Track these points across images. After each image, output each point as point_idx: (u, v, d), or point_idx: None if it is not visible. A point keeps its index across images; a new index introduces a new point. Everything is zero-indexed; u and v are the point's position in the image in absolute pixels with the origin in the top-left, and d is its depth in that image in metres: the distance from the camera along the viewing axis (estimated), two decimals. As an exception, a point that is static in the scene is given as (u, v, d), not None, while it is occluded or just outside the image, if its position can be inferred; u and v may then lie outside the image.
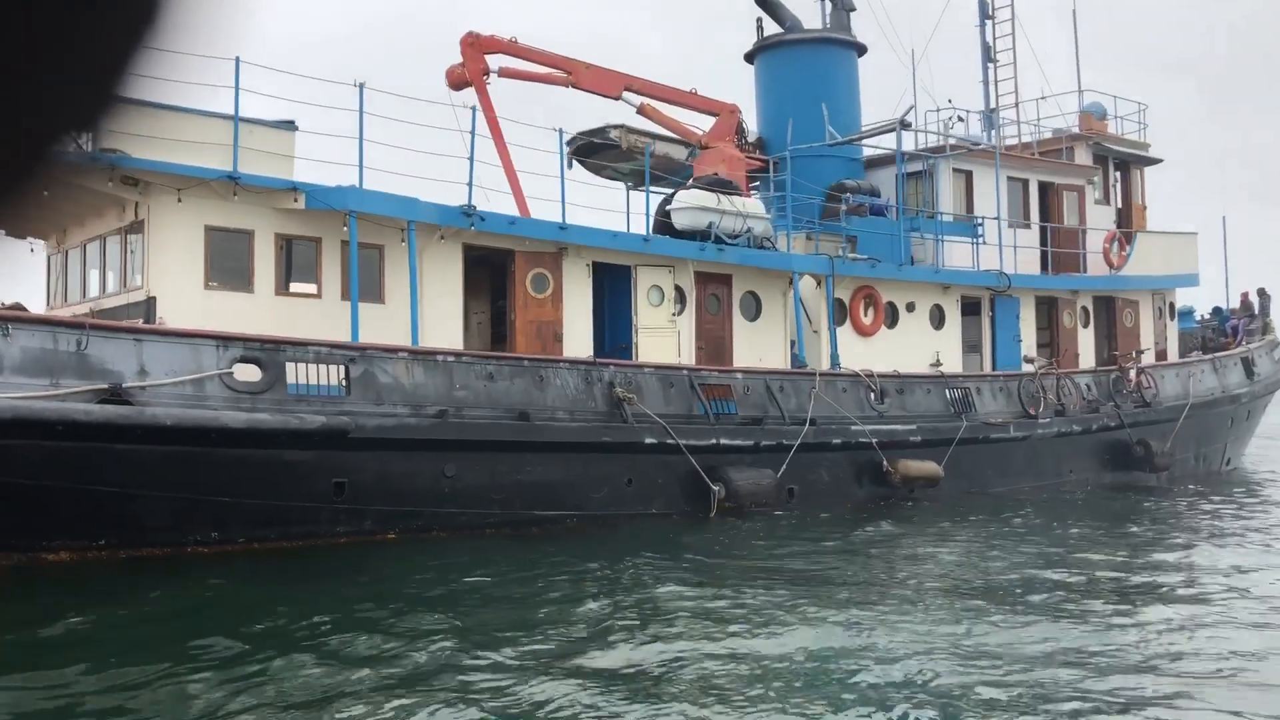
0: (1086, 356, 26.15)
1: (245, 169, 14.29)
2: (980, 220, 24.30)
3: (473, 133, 16.06)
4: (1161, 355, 29.33)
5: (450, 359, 14.79)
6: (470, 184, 16.07)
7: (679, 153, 24.52)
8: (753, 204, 19.86)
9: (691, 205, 18.98)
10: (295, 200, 14.61)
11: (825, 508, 18.27)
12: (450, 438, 14.32)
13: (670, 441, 16.20)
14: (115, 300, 15.21)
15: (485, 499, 14.83)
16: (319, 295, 15.24)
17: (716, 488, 16.64)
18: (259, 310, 14.75)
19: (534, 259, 17.16)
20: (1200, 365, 28.07)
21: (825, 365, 20.81)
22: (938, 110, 24.83)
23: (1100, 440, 23.92)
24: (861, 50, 26.50)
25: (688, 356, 19.10)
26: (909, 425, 19.63)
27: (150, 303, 14.25)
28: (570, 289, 17.67)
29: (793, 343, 20.37)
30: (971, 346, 24.73)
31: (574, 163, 25.30)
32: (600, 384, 16.06)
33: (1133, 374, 24.83)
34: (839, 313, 21.56)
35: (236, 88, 14.10)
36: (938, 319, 23.46)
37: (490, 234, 16.66)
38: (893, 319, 22.51)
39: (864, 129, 25.60)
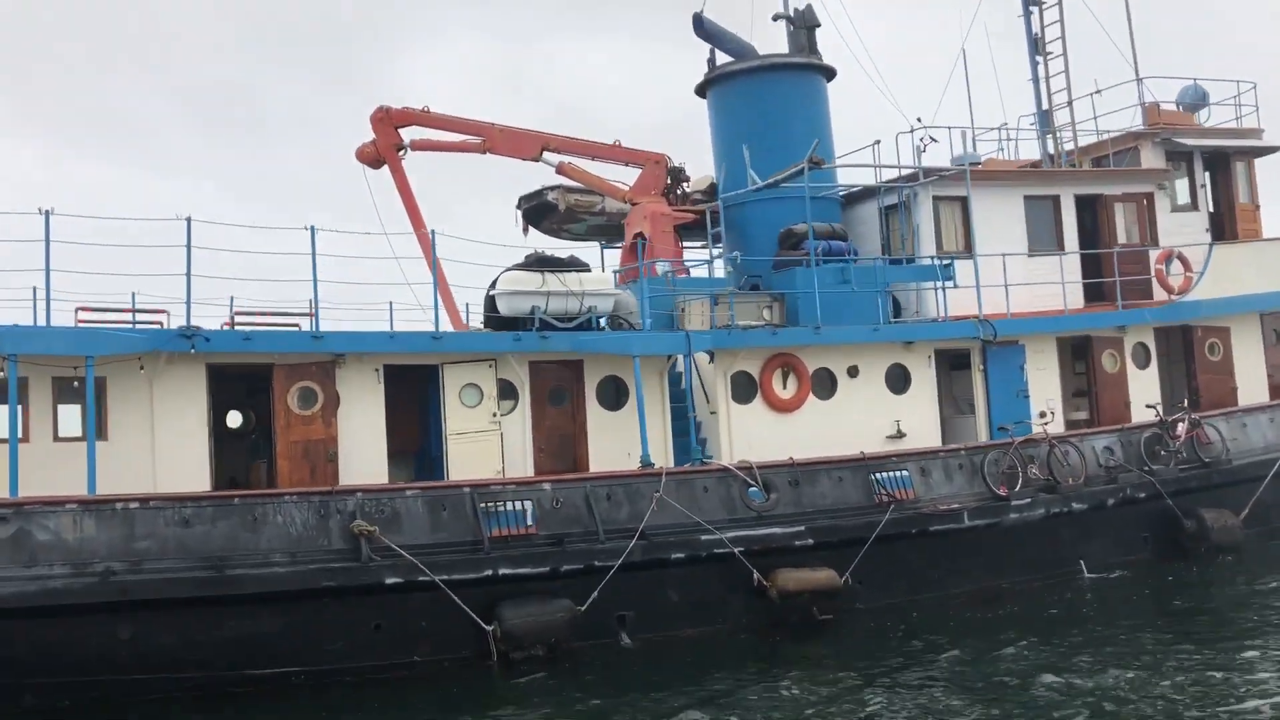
0: (1149, 401, 21.28)
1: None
2: (947, 261, 20.29)
3: (188, 246, 14.54)
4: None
5: (134, 505, 13.31)
6: (188, 302, 14.59)
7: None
8: (594, 279, 17.25)
9: (508, 290, 16.69)
10: (-39, 344, 13.64)
11: (677, 637, 15.45)
12: (113, 599, 12.82)
13: (424, 579, 14.00)
14: None
15: (177, 661, 13.21)
16: (26, 440, 14.18)
17: (491, 627, 14.27)
18: None
19: (297, 371, 15.44)
20: (1313, 403, 22.47)
21: (727, 453, 17.88)
22: (911, 131, 21.07)
23: (1130, 517, 19.32)
24: (830, 74, 23.06)
25: (519, 462, 16.76)
26: (793, 527, 16.31)
27: None
28: (351, 400, 15.81)
29: (697, 435, 17.61)
30: (971, 406, 20.76)
31: (528, 229, 23.62)
32: (340, 516, 14.10)
33: (1181, 428, 19.98)
34: (745, 388, 18.46)
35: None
36: (899, 381, 19.74)
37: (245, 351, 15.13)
38: (827, 388, 19.07)
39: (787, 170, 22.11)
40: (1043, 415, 20.13)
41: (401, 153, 21.89)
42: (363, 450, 15.72)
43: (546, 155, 21.81)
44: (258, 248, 15.68)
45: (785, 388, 18.67)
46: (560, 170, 21.82)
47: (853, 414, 19.03)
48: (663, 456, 17.41)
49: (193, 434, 14.95)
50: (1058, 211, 22.50)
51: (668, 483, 15.82)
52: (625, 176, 22.01)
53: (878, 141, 21.91)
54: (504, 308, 16.68)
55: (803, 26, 22.57)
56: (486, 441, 16.29)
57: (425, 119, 21.81)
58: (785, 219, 21.09)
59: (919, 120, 20.90)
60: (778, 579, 15.87)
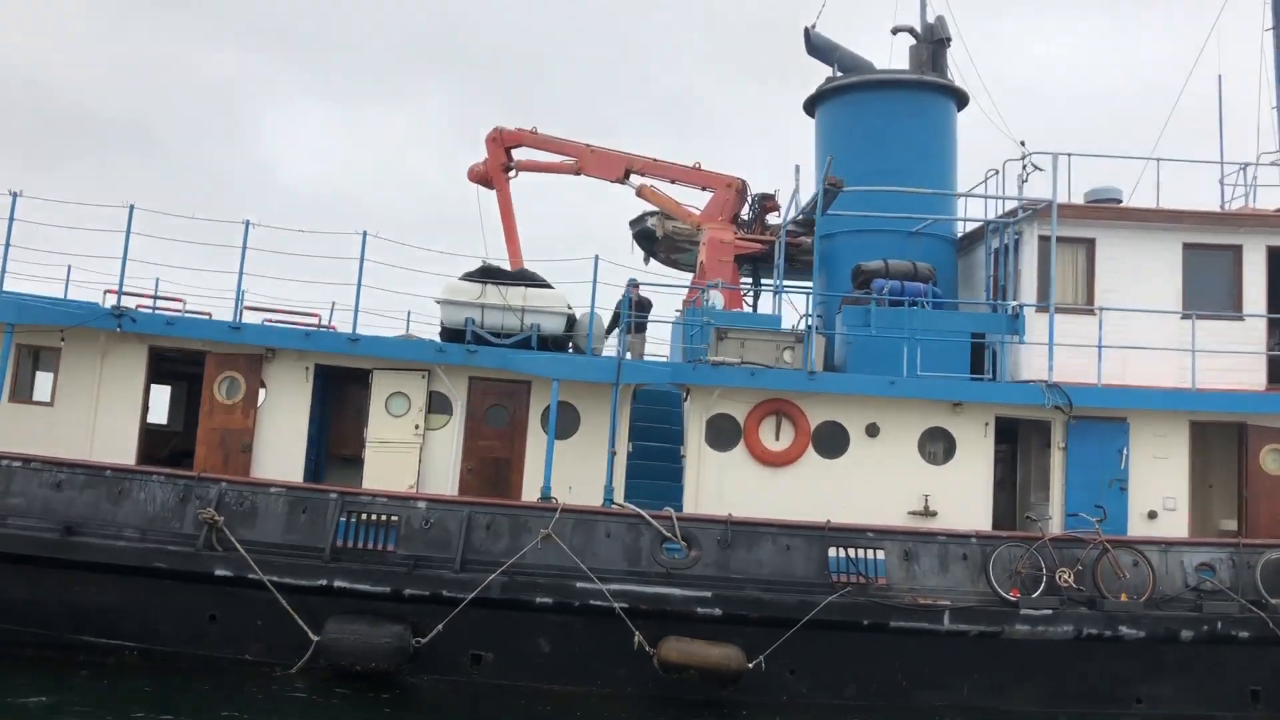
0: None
1: None
2: (1015, 309, 16.72)
3: (128, 231, 15.43)
4: None
5: (17, 464, 14.31)
6: (120, 286, 15.45)
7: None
8: (540, 295, 16.04)
9: (444, 299, 16.02)
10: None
11: (545, 688, 14.00)
12: (-39, 546, 13.82)
13: (253, 576, 13.75)
14: None
15: (21, 615, 13.97)
16: (-23, 400, 15.72)
17: (317, 638, 13.69)
18: None
19: (226, 361, 15.83)
20: None
21: (692, 503, 15.99)
22: (1023, 160, 17.67)
23: (1228, 660, 14.73)
24: (961, 100, 20.01)
25: (442, 482, 15.96)
26: (697, 591, 14.11)
27: None
28: (276, 395, 15.92)
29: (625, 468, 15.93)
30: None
31: (648, 258, 22.79)
32: (199, 503, 14.23)
33: (1331, 551, 14.99)
34: (726, 434, 16.33)
35: None
36: (939, 450, 16.54)
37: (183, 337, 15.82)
38: (835, 445, 16.37)
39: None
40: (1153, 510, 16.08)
41: (510, 173, 21.94)
42: (281, 446, 15.80)
43: (632, 177, 20.90)
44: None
45: (778, 439, 16.31)
46: (640, 193, 20.80)
47: (865, 480, 16.19)
48: (616, 495, 15.86)
49: (128, 410, 15.81)
50: (1238, 266, 17.84)
51: (561, 520, 14.35)
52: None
53: (993, 171, 18.77)
54: (443, 317, 16.09)
55: (928, 41, 19.78)
56: (405, 455, 15.74)
57: (531, 140, 21.72)
58: (878, 254, 18.53)
59: (1023, 144, 17.49)
60: (662, 647, 13.83)
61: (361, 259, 15.49)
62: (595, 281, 15.67)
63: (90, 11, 56.60)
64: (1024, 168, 17.45)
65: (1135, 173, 19.20)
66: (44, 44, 55.72)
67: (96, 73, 59.01)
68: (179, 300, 16.96)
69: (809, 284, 20.38)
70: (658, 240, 21.62)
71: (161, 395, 19.28)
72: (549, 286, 16.46)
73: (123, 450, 15.66)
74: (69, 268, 16.81)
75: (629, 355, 17.67)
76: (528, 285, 16.10)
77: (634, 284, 18.72)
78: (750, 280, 21.50)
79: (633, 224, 22.11)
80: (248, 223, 15.47)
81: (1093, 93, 53.01)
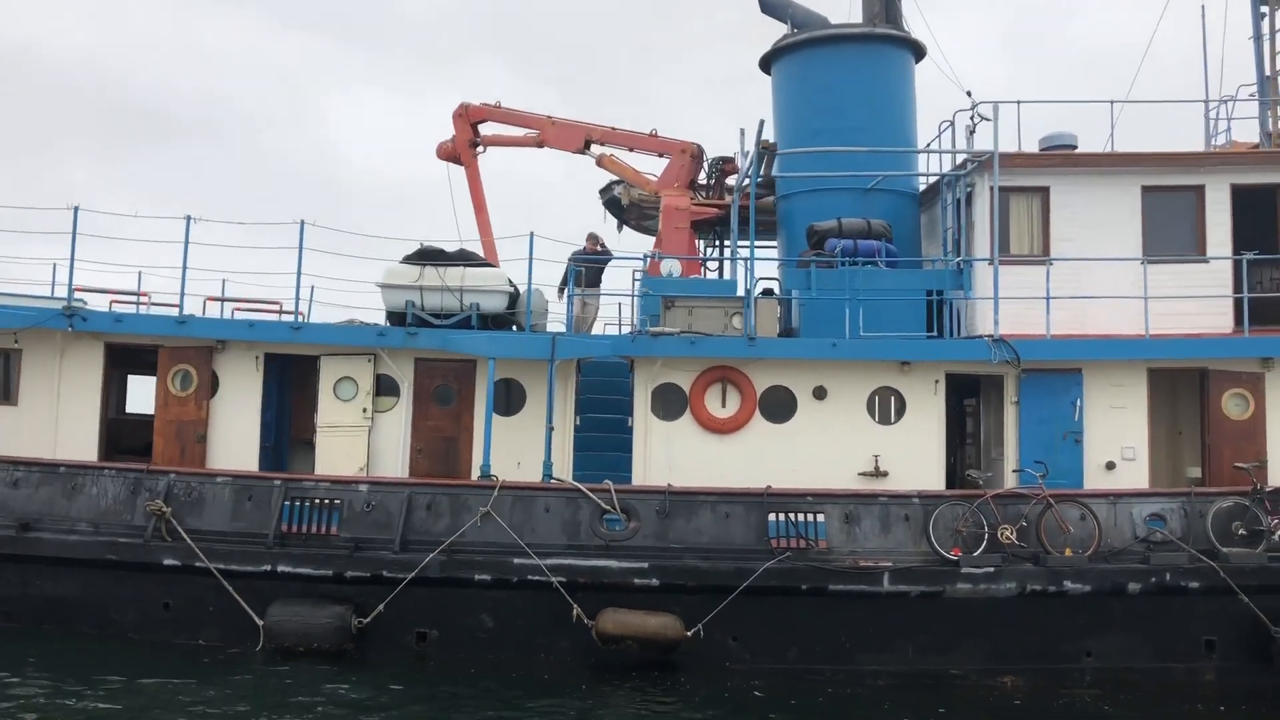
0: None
1: None
2: (959, 261, 16.47)
3: (74, 234, 15.79)
4: None
5: (-26, 465, 14.86)
6: (70, 284, 15.84)
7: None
8: (479, 275, 16.13)
9: (384, 283, 16.20)
10: None
11: (488, 661, 14.27)
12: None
13: (200, 565, 14.16)
14: None
15: (-14, 610, 14.58)
16: (-60, 401, 16.30)
17: (261, 622, 14.08)
18: None
19: (178, 354, 16.20)
20: None
21: (641, 474, 16.12)
22: (972, 109, 17.33)
23: (1180, 612, 14.53)
24: (919, 51, 19.63)
25: (393, 463, 16.23)
26: (635, 562, 14.24)
27: None
28: (228, 385, 16.25)
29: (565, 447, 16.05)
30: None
31: (621, 226, 22.82)
32: (149, 495, 14.66)
33: (1288, 500, 14.72)
34: (673, 403, 16.37)
35: None
36: (889, 409, 16.43)
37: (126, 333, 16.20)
38: (782, 410, 16.34)
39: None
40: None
41: (478, 149, 21.99)
42: (235, 435, 16.16)
43: (592, 147, 20.87)
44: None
45: (724, 406, 16.32)
46: (600, 163, 20.76)
47: (815, 443, 16.16)
48: (563, 471, 16.04)
49: (88, 406, 16.26)
50: (1200, 207, 17.38)
51: (500, 498, 14.55)
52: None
53: (947, 123, 18.45)
54: (384, 301, 16.28)
55: (884, -11, 19.43)
56: (354, 438, 16.02)
57: (495, 114, 21.75)
58: (836, 213, 18.37)
59: (969, 94, 17.17)
60: (600, 619, 14.02)
61: (300, 247, 15.72)
62: (531, 258, 15.74)
63: (156, 3, 57.78)
64: (972, 119, 17.12)
65: (1124, 123, 18.71)
66: (113, 37, 56.92)
67: (164, 64, 60.22)
68: (144, 295, 17.36)
69: (769, 245, 20.36)
70: (625, 208, 21.63)
71: (147, 387, 19.80)
72: (488, 265, 16.57)
73: (85, 445, 16.14)
74: (54, 266, 17.40)
75: (583, 314, 17.84)
76: (465, 265, 16.22)
77: (593, 238, 18.90)
78: (716, 245, 21.43)
79: (602, 193, 22.12)
80: (189, 218, 15.76)
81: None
